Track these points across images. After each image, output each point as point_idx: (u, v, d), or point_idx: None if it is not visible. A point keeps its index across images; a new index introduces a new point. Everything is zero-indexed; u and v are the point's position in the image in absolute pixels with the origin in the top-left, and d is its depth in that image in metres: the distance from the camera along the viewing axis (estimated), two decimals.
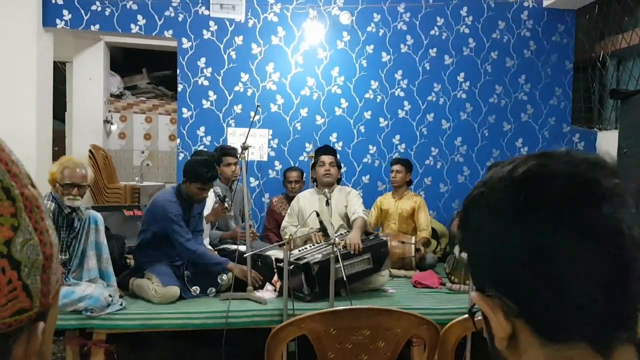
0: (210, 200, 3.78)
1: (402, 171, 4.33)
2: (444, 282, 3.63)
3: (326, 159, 3.82)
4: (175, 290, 2.97)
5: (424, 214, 4.26)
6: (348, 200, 3.80)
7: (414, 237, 4.03)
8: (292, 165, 4.78)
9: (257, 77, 4.76)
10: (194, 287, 3.10)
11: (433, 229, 4.47)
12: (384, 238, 3.52)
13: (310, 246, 3.29)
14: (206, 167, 3.08)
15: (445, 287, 3.56)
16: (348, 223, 3.76)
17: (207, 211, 3.61)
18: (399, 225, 4.30)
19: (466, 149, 5.12)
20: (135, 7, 4.48)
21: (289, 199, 4.35)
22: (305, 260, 3.03)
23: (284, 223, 3.90)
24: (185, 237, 3.03)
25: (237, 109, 4.73)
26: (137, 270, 3.16)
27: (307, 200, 3.85)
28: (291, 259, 3.00)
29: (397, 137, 5.02)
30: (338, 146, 4.87)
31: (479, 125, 5.12)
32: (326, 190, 3.42)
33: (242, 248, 3.20)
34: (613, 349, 0.52)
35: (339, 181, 3.96)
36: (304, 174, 4.61)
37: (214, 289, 3.14)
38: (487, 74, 5.10)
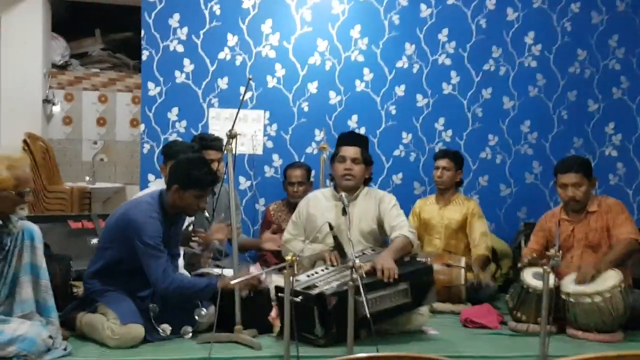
0: None
1: (451, 168, 4.31)
2: (506, 321, 3.61)
3: (349, 151, 3.64)
4: (138, 329, 2.98)
5: (479, 225, 4.24)
6: (381, 210, 3.63)
7: (463, 259, 4.01)
8: (296, 160, 4.78)
9: (249, 39, 4.77)
10: (162, 326, 3.11)
11: (492, 248, 4.44)
12: (426, 261, 3.50)
13: (322, 270, 3.29)
14: (204, 167, 3.13)
15: (507, 327, 3.54)
16: (380, 245, 3.63)
17: None
18: (445, 241, 4.28)
19: (537, 137, 5.08)
20: None
21: (291, 206, 4.35)
22: (318, 290, 3.02)
23: (285, 235, 3.81)
24: (162, 267, 3.04)
25: (222, 83, 4.74)
26: (88, 303, 3.17)
27: (321, 205, 3.71)
28: (297, 288, 3.00)
29: (441, 120, 4.99)
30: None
31: (555, 105, 5.08)
32: (343, 194, 3.39)
33: (228, 273, 3.20)
34: None
35: (367, 181, 3.81)
36: (312, 173, 4.60)
37: (190, 329, 3.15)
38: (565, 33, 5.05)
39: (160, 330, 3.10)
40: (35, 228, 2.93)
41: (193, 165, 3.11)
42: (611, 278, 3.37)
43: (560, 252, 3.41)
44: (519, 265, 3.67)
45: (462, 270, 3.91)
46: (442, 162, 4.33)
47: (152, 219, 3.07)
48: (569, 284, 3.44)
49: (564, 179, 3.71)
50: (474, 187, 5.04)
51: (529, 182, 5.11)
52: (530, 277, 3.55)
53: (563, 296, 3.39)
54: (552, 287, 2.97)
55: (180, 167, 3.14)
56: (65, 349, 2.84)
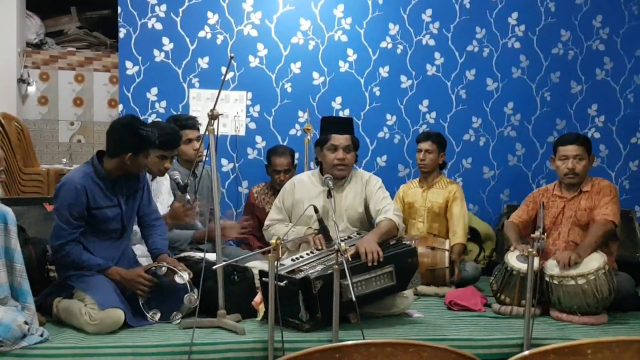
0: (165, 190, 3.71)
1: (433, 150, 4.27)
2: (490, 303, 3.60)
3: (341, 140, 3.50)
4: (117, 314, 2.91)
5: (458, 209, 4.20)
6: (367, 192, 3.57)
7: (447, 242, 3.99)
8: (280, 142, 4.71)
9: (230, 18, 4.67)
10: (152, 311, 3.06)
11: (475, 230, 4.44)
12: (410, 244, 3.47)
13: (307, 254, 3.24)
14: (149, 127, 3.14)
15: (491, 309, 3.53)
16: (368, 230, 3.53)
17: (161, 207, 3.54)
18: (429, 224, 4.25)
19: (520, 119, 5.06)
20: None
21: (275, 189, 4.29)
22: (303, 275, 2.97)
23: (268, 221, 3.72)
24: (67, 237, 3.00)
25: (203, 63, 4.65)
26: (64, 288, 3.10)
27: (308, 190, 3.61)
28: (282, 272, 2.95)
29: (425, 102, 4.95)
30: (343, 115, 4.80)
31: (538, 86, 5.06)
32: (328, 177, 3.31)
33: (211, 257, 3.14)
34: None
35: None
36: (296, 157, 4.53)
37: (179, 315, 3.09)
38: (549, 14, 5.02)
39: (149, 316, 3.04)
40: (8, 210, 2.84)
41: (139, 126, 3.07)
42: (594, 260, 3.36)
43: (546, 233, 3.40)
44: (511, 249, 3.63)
45: (446, 253, 3.89)
46: (425, 145, 4.28)
47: (76, 186, 2.99)
48: (553, 267, 3.43)
49: (565, 151, 3.67)
50: (457, 170, 5.02)
51: (512, 164, 5.10)
52: (514, 259, 3.53)
53: (547, 278, 3.38)
54: (536, 269, 2.95)
55: (128, 129, 3.05)
56: (41, 335, 2.76)
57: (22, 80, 6.08)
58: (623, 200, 4.97)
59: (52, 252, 3.16)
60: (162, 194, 3.69)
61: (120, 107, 4.60)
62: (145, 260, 3.37)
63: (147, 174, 3.57)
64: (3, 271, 2.76)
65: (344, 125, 3.61)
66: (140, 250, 3.43)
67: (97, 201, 3.06)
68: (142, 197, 3.29)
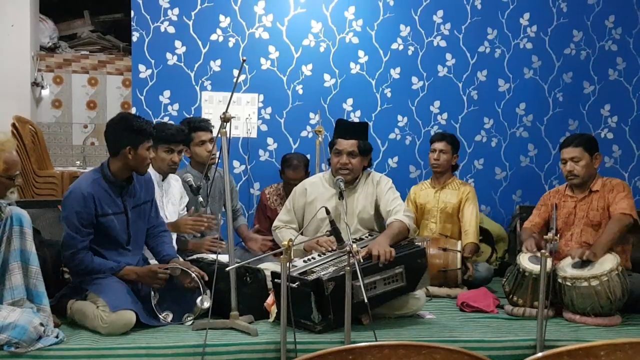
0: (176, 190, 3.73)
1: (448, 151, 4.27)
2: (502, 305, 3.58)
3: (345, 145, 3.50)
4: (128, 316, 2.93)
5: (470, 210, 4.19)
6: (377, 192, 3.58)
7: (459, 243, 3.98)
8: (292, 145, 4.71)
9: (242, 21, 4.69)
10: (164, 313, 3.08)
11: (487, 232, 4.42)
12: (420, 244, 3.46)
13: (319, 255, 3.25)
14: (142, 119, 3.16)
15: (503, 311, 3.52)
16: (379, 231, 3.54)
17: (172, 207, 3.56)
18: (442, 225, 4.24)
19: (532, 120, 5.04)
20: None
21: (287, 190, 4.30)
22: (315, 276, 2.98)
23: (276, 222, 3.73)
24: (78, 246, 3.03)
25: (215, 65, 4.67)
26: (77, 291, 3.13)
27: (320, 193, 3.61)
28: (294, 273, 2.96)
29: (437, 103, 4.94)
30: (355, 117, 4.80)
31: (550, 87, 5.03)
32: (339, 179, 3.32)
33: (224, 258, 3.15)
34: None
35: (365, 167, 3.65)
36: (309, 164, 4.54)
37: (191, 316, 3.11)
38: (561, 14, 4.99)
39: (162, 317, 3.06)
40: (23, 213, 2.88)
41: (139, 121, 3.12)
42: (608, 261, 3.34)
43: (559, 235, 3.38)
44: (524, 249, 3.63)
45: (458, 254, 3.88)
46: (440, 145, 4.28)
47: (82, 193, 3.01)
48: (566, 268, 3.41)
49: (563, 154, 3.72)
50: (469, 171, 5.01)
51: (524, 165, 5.08)
52: (526, 260, 3.52)
53: (559, 280, 3.36)
54: (549, 270, 2.94)
55: (131, 123, 3.10)
56: (57, 336, 2.79)
57: (36, 84, 6.15)
58: (636, 201, 4.93)
59: (64, 261, 3.18)
60: (173, 195, 3.71)
61: (134, 110, 4.63)
62: (156, 262, 3.38)
63: (159, 175, 3.60)
64: (19, 273, 2.80)
65: (352, 130, 3.60)
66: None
67: (104, 208, 3.08)
68: (150, 210, 3.32)
